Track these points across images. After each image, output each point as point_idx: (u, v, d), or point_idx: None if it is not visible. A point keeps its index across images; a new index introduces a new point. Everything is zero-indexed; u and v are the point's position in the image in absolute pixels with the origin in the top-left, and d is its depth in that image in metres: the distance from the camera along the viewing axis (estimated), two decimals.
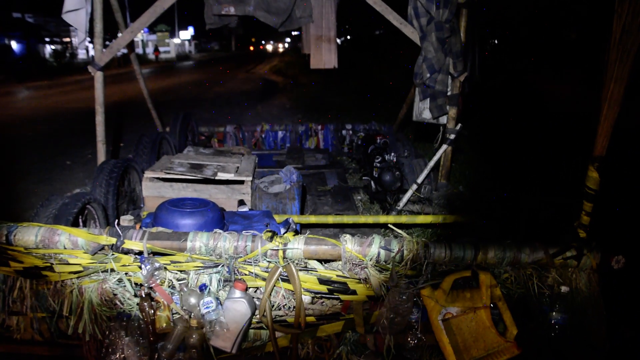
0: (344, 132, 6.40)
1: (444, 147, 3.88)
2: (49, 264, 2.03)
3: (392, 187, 4.11)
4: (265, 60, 38.86)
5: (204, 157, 3.77)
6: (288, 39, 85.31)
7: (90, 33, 3.68)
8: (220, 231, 2.10)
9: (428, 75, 3.68)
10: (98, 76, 3.74)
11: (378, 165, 4.23)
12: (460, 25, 3.74)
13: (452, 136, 3.85)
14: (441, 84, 3.77)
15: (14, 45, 29.27)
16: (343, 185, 4.85)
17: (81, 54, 36.85)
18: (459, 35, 3.72)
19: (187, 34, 51.44)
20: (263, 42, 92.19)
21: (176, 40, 44.52)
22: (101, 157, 3.71)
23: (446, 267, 2.09)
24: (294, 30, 4.52)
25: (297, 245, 2.06)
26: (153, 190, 3.26)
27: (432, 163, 3.88)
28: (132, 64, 5.04)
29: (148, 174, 3.29)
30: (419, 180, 3.90)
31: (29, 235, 2.04)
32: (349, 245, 2.05)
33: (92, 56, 3.76)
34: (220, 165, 3.49)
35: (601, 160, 2.13)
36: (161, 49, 37.97)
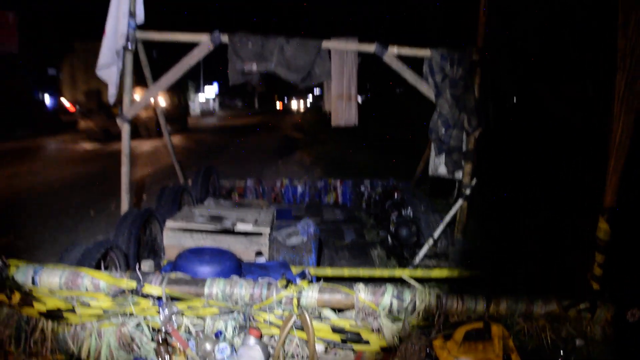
0: (362, 187, 6.51)
1: (460, 202, 3.95)
2: (71, 306, 2.11)
3: (409, 242, 4.15)
4: (287, 117, 39.69)
5: (224, 209, 3.88)
6: (310, 97, 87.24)
7: (120, 88, 3.91)
8: (237, 277, 2.17)
9: (443, 131, 3.80)
10: (125, 128, 3.93)
11: (395, 220, 4.29)
12: (475, 82, 3.88)
13: (468, 191, 3.92)
14: (456, 140, 3.87)
15: (47, 99, 30.55)
16: (360, 241, 4.91)
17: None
18: (473, 91, 3.85)
19: (211, 90, 52.14)
20: (285, 99, 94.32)
21: (201, 97, 45.60)
22: (125, 206, 3.85)
23: (458, 318, 2.12)
24: (316, 87, 4.72)
25: (311, 294, 2.11)
26: (174, 239, 3.36)
27: (448, 218, 3.94)
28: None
29: (169, 224, 3.40)
30: (436, 235, 3.94)
31: (53, 277, 2.13)
32: (362, 294, 2.10)
33: (121, 108, 3.96)
34: (239, 217, 3.59)
35: (611, 211, 2.18)
36: None
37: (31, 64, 26.31)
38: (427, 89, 3.91)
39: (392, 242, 4.38)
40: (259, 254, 3.23)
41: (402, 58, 3.99)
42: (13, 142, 16.35)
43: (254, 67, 3.79)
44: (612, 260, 2.29)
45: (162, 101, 19.86)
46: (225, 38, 3.87)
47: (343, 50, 4.15)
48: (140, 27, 4.05)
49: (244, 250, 3.32)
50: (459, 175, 4.04)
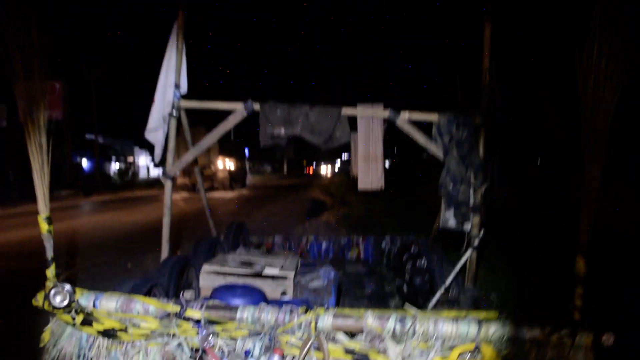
0: (383, 244, 6.81)
1: (469, 252, 4.25)
2: (124, 327, 2.50)
3: (423, 290, 4.44)
4: (315, 181, 40.48)
5: (254, 256, 4.26)
6: (338, 162, 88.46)
7: (165, 149, 4.42)
8: (265, 304, 2.54)
9: (451, 186, 4.17)
10: (168, 184, 4.40)
11: (410, 269, 4.61)
12: (479, 142, 4.28)
13: (476, 242, 4.23)
14: (464, 194, 4.22)
15: (85, 163, 32.08)
16: (380, 291, 5.19)
17: (142, 173, 39.53)
18: (478, 151, 4.23)
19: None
20: (314, 164, 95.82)
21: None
22: (165, 253, 4.26)
23: (454, 341, 2.44)
24: (344, 152, 5.17)
25: (327, 319, 2.46)
26: (209, 281, 3.73)
27: (458, 267, 4.23)
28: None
29: (206, 267, 3.79)
30: (447, 283, 4.23)
31: (111, 302, 2.53)
32: (370, 320, 2.44)
33: (164, 168, 4.45)
34: (268, 263, 3.96)
35: (586, 248, 2.50)
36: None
37: (72, 130, 27.83)
38: (436, 149, 4.31)
39: (407, 290, 4.67)
40: (283, 294, 3.58)
41: (413, 122, 4.44)
42: (58, 201, 17.41)
43: (282, 131, 4.26)
44: (591, 292, 2.59)
45: (232, 165, 28.69)
46: (257, 106, 4.36)
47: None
48: (183, 97, 4.60)
49: (271, 291, 3.67)
50: (467, 227, 4.35)
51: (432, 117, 4.35)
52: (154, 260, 7.34)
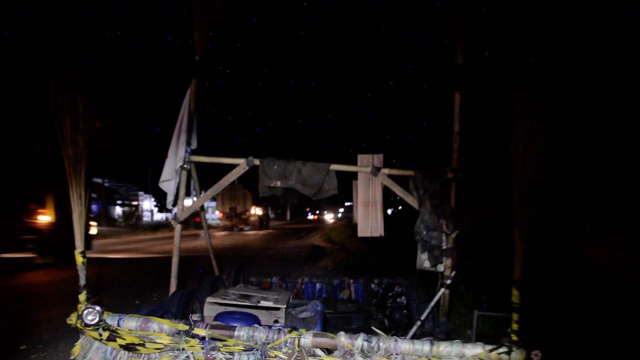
0: (372, 285, 7.27)
1: (442, 290, 4.75)
2: (142, 342, 3.01)
3: (401, 324, 4.92)
4: (317, 229, 41.02)
5: (252, 291, 4.78)
6: (341, 210, 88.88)
7: (176, 197, 5.00)
8: (257, 326, 3.07)
9: (424, 232, 4.71)
10: (178, 228, 4.97)
11: (390, 305, 5.10)
12: (450, 194, 4.84)
13: (448, 281, 4.73)
14: (436, 240, 4.75)
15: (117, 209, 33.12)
16: (365, 326, 5.65)
17: (146, 216, 40.11)
18: (449, 202, 4.79)
19: None
20: (317, 212, 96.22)
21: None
22: (173, 288, 4.77)
23: (411, 357, 2.94)
24: (347, 201, 5.70)
25: (307, 338, 2.98)
26: (212, 311, 4.24)
27: (432, 304, 4.70)
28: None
29: (209, 299, 4.31)
30: (423, 317, 4.71)
31: (132, 321, 3.05)
32: (342, 338, 2.96)
33: (175, 213, 5.01)
34: (263, 296, 4.48)
35: (519, 282, 3.03)
36: (213, 215, 42.24)
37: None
38: (412, 200, 4.87)
39: (388, 325, 5.14)
40: (276, 322, 4.08)
41: (392, 177, 5.03)
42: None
43: (278, 183, 4.83)
44: (525, 318, 3.11)
45: (259, 211, 37.19)
46: (257, 162, 4.93)
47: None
48: (193, 151, 5.21)
49: (265, 320, 4.17)
50: (440, 268, 4.86)
51: (409, 172, 4.93)
52: (159, 297, 7.83)
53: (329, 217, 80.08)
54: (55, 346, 5.00)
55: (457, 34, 4.78)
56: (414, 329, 4.73)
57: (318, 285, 7.37)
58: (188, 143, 4.95)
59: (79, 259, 3.15)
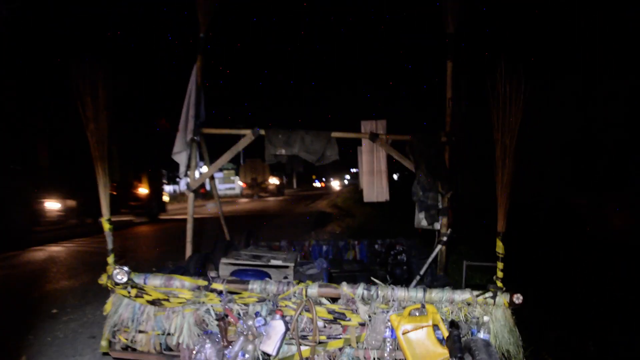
0: (376, 246, 7.61)
1: (439, 247, 5.07)
2: (166, 297, 3.36)
3: (401, 279, 5.26)
4: (324, 195, 41.54)
5: (262, 252, 5.13)
6: (347, 177, 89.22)
7: (188, 167, 5.30)
8: (268, 280, 3.41)
9: (421, 193, 5.01)
10: (191, 196, 5.29)
11: (391, 262, 5.45)
12: (445, 157, 5.12)
13: (445, 238, 5.05)
14: (432, 200, 5.05)
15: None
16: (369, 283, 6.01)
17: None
18: (444, 164, 5.06)
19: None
20: (324, 179, 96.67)
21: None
22: (189, 252, 5.13)
23: (406, 303, 3.29)
24: (353, 168, 5.96)
25: (314, 288, 3.32)
26: (226, 271, 4.59)
27: (430, 259, 5.03)
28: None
29: (223, 260, 4.66)
30: (421, 272, 5.05)
31: (156, 279, 3.38)
32: (345, 288, 3.30)
33: (187, 183, 5.33)
34: (273, 256, 4.83)
35: (503, 234, 3.34)
36: (227, 185, 43.31)
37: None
38: (409, 164, 5.15)
39: (389, 280, 5.49)
40: (285, 278, 4.44)
41: (390, 142, 5.31)
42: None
43: (283, 151, 5.13)
44: (509, 266, 3.43)
45: (276, 180, 41.91)
46: (262, 132, 5.23)
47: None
48: (202, 124, 5.49)
49: (275, 278, 4.50)
50: (437, 226, 5.17)
51: (405, 137, 5.22)
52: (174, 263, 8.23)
53: (335, 184, 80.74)
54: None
55: (449, 3, 4.97)
56: (414, 283, 5.06)
57: (324, 247, 7.71)
58: (197, 116, 5.22)
59: (106, 226, 3.46)
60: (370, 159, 6.29)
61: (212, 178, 6.11)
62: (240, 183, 40.78)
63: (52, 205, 12.51)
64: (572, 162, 13.76)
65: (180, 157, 5.25)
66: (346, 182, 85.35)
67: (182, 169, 5.29)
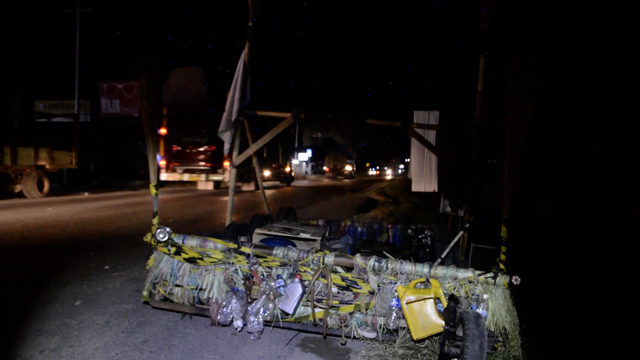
0: (409, 231, 7.83)
1: (461, 233, 5.29)
2: (200, 256, 3.77)
3: (424, 261, 5.51)
4: (374, 183, 41.77)
5: (294, 225, 5.51)
6: (401, 166, 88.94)
7: (232, 145, 5.73)
8: (291, 247, 3.79)
9: (446, 181, 5.26)
10: (233, 172, 5.72)
11: (415, 244, 5.72)
12: (472, 148, 5.33)
13: (467, 225, 5.27)
14: (458, 188, 5.29)
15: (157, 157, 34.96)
16: None
17: None
18: (470, 154, 5.27)
19: (305, 155, 60.95)
20: (377, 167, 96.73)
21: (295, 161, 52.25)
22: (228, 221, 5.58)
23: (412, 276, 3.58)
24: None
25: (330, 257, 3.67)
26: (258, 240, 5.02)
27: (452, 244, 5.24)
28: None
29: (257, 230, 5.05)
30: (442, 256, 5.29)
31: (194, 240, 3.80)
32: (358, 259, 3.62)
33: (231, 160, 5.76)
34: (303, 230, 5.20)
35: (508, 220, 3.57)
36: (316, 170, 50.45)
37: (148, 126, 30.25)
38: (436, 152, 5.42)
39: (412, 262, 5.75)
40: None
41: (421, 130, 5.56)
42: (133, 190, 19.67)
43: (319, 134, 5.48)
44: (511, 250, 3.66)
45: (349, 167, 57.22)
46: (302, 115, 5.60)
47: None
48: (248, 106, 5.89)
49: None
50: (461, 213, 5.40)
51: (435, 127, 5.46)
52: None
53: (388, 173, 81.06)
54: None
55: (484, 1, 5.14)
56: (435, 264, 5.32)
57: (359, 229, 7.99)
58: (242, 98, 5.63)
59: (153, 191, 3.91)
60: (421, 150, 6.44)
61: (256, 160, 6.53)
62: (325, 168, 56.54)
63: None
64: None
65: (226, 135, 5.67)
66: (400, 171, 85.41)
67: (226, 146, 5.71)
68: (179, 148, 20.54)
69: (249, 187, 22.65)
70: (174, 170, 20.26)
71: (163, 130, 19.38)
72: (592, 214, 12.06)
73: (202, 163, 20.42)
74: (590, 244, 8.56)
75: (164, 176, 20.03)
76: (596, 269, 6.62)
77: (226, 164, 19.10)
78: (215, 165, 20.29)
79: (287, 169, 32.32)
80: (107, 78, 29.27)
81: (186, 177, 20.31)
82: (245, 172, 21.88)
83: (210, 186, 20.77)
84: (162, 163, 19.95)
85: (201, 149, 20.45)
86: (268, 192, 16.54)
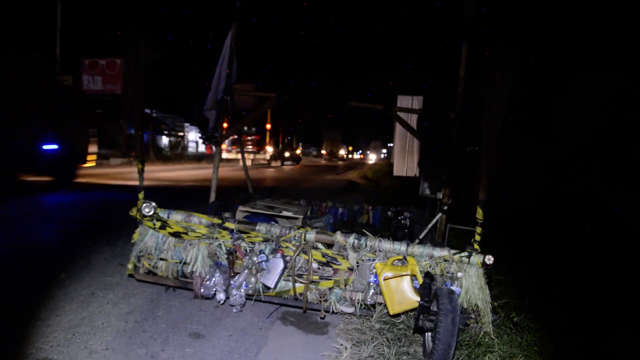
0: (389, 213, 7.98)
1: (439, 215, 5.43)
2: (185, 231, 3.85)
3: (401, 241, 5.66)
4: (357, 167, 42.04)
5: (276, 203, 5.62)
6: (384, 151, 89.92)
7: (217, 123, 5.79)
8: (274, 223, 3.89)
9: (427, 164, 5.38)
10: (218, 150, 5.80)
11: (394, 225, 5.87)
12: (452, 132, 5.45)
13: (445, 208, 5.41)
14: (437, 171, 5.42)
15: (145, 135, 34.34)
16: None
17: (191, 147, 41.66)
18: (450, 138, 5.39)
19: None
20: (360, 152, 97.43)
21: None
22: (212, 198, 5.66)
23: (390, 254, 3.71)
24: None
25: (311, 234, 3.78)
26: (241, 217, 5.12)
27: (430, 225, 5.38)
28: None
29: (240, 207, 5.14)
30: (420, 237, 5.44)
31: (179, 215, 3.87)
32: (338, 236, 3.74)
33: (215, 137, 5.81)
34: (285, 208, 5.31)
35: (483, 202, 3.70)
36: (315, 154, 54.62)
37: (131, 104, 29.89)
38: (418, 135, 5.54)
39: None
40: None
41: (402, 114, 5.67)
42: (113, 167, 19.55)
43: (304, 113, 5.56)
44: (487, 232, 3.80)
45: (343, 152, 78.73)
46: (286, 96, 5.66)
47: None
48: (233, 85, 5.94)
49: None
50: (439, 195, 5.54)
51: (417, 111, 5.58)
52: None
53: (372, 157, 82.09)
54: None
55: None
56: None
57: (340, 210, 8.11)
58: (229, 77, 5.68)
59: (139, 166, 3.97)
60: (403, 135, 6.52)
61: (241, 140, 6.58)
62: (322, 152, 67.31)
63: None
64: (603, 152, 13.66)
65: (211, 114, 5.72)
66: (382, 156, 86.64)
67: (211, 124, 5.77)
68: (236, 137, 26.75)
69: (275, 163, 34.35)
70: (232, 152, 30.36)
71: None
72: (571, 201, 12.30)
73: (250, 147, 31.91)
74: (567, 230, 8.79)
75: (224, 155, 29.51)
76: (572, 254, 6.83)
77: (268, 148, 33.55)
78: (258, 149, 32.85)
79: (298, 151, 41.36)
80: (89, 54, 28.81)
81: (239, 156, 27.26)
82: (276, 153, 35.04)
83: (249, 163, 29.85)
84: (224, 147, 28.97)
85: (249, 138, 32.03)
86: (287, 168, 31.26)
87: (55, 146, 11.05)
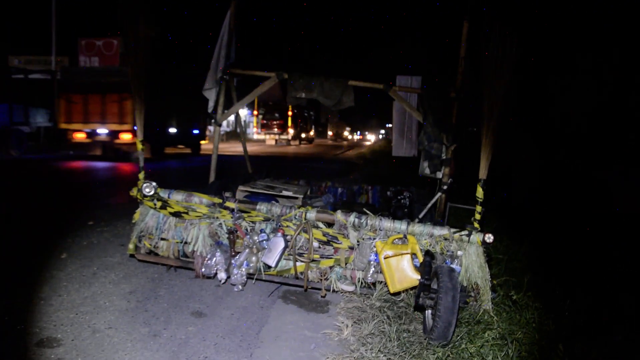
0: (388, 192, 7.97)
1: (439, 194, 5.42)
2: (186, 211, 3.85)
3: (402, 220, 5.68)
4: (355, 147, 42.01)
5: (276, 183, 5.61)
6: (382, 131, 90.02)
7: (216, 103, 5.74)
8: (274, 202, 3.89)
9: (426, 143, 5.35)
10: (217, 130, 5.74)
11: (394, 204, 5.87)
12: (452, 111, 5.42)
13: (445, 187, 5.40)
14: (437, 150, 5.38)
15: None
16: None
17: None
18: (450, 118, 5.37)
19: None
20: (359, 132, 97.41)
21: None
22: (212, 178, 5.64)
23: (390, 232, 3.72)
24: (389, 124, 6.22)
25: (312, 213, 3.78)
26: (242, 197, 5.12)
27: (429, 205, 5.38)
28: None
29: (241, 187, 5.13)
30: (420, 216, 5.44)
31: (179, 195, 3.86)
32: (339, 215, 3.74)
33: (215, 117, 5.76)
34: (285, 188, 5.30)
35: (484, 181, 3.70)
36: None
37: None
38: (417, 115, 5.48)
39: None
40: None
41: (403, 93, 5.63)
42: None
43: (303, 95, 5.49)
44: (486, 210, 3.81)
45: (347, 133, 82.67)
46: (286, 76, 5.60)
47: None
48: (232, 65, 5.87)
49: None
50: (439, 175, 5.51)
51: (416, 90, 5.53)
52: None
53: (371, 137, 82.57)
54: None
55: None
56: None
57: (340, 190, 8.11)
58: (227, 57, 5.61)
59: (139, 146, 3.95)
60: (402, 114, 6.47)
61: (239, 115, 6.54)
62: (329, 133, 70.59)
63: None
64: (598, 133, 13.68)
65: (210, 93, 5.66)
66: (380, 136, 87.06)
67: (210, 104, 5.71)
68: (265, 122, 40.51)
69: (294, 142, 41.38)
70: (261, 133, 40.90)
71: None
72: (568, 180, 12.34)
73: (275, 129, 40.06)
74: (565, 210, 8.81)
75: (255, 137, 41.90)
76: (571, 234, 6.85)
77: (290, 130, 40.78)
78: (282, 131, 40.16)
79: (312, 133, 48.16)
80: (85, 34, 28.51)
81: (267, 137, 40.12)
82: (296, 134, 42.21)
83: (272, 142, 39.56)
84: (255, 130, 45.57)
85: (275, 122, 40.07)
86: (304, 146, 40.93)
87: (197, 131, 19.86)
